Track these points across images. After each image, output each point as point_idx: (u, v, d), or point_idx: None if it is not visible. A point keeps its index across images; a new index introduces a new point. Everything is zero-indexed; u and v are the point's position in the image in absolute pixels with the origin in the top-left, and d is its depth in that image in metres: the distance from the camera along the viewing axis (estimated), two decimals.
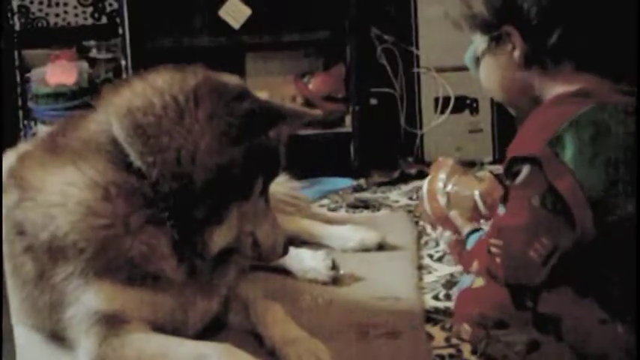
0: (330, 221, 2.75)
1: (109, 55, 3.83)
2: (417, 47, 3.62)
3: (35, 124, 3.71)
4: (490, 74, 1.89)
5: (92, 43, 3.87)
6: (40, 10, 3.92)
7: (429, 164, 2.77)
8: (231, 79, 1.93)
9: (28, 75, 3.79)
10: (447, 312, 2.08)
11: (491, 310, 1.80)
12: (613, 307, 1.68)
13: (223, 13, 3.51)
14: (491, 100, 3.54)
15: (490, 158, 3.57)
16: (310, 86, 3.59)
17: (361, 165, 3.52)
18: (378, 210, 3.10)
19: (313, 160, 3.26)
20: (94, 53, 3.86)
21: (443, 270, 2.35)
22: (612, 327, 1.67)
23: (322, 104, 3.49)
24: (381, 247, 2.55)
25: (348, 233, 2.60)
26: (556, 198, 1.67)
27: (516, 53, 1.81)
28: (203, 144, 1.78)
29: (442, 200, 2.16)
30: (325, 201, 3.22)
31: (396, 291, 2.20)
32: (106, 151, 1.83)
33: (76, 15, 3.95)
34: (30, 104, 3.72)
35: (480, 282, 1.89)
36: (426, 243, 2.61)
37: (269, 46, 3.61)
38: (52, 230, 1.81)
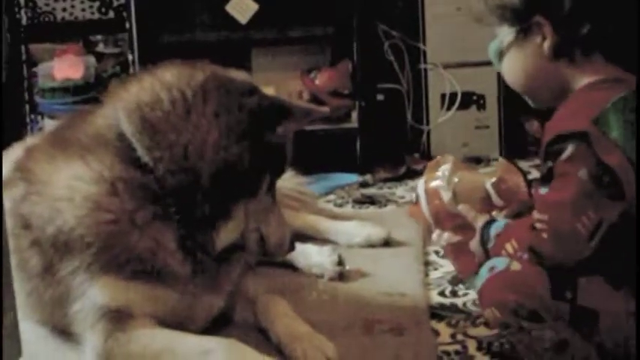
0: (336, 217, 2.75)
1: (116, 50, 3.84)
2: (424, 43, 3.61)
3: (42, 118, 3.72)
4: (516, 66, 1.90)
5: (99, 37, 3.88)
6: (47, 5, 3.93)
7: None
8: (238, 75, 1.93)
9: (34, 69, 3.79)
10: (452, 308, 2.09)
11: (527, 298, 1.79)
12: None
13: (230, 8, 3.51)
14: (498, 96, 3.55)
15: (497, 154, 3.57)
16: (317, 82, 3.58)
17: (367, 161, 3.51)
18: (384, 206, 3.10)
19: (319, 155, 3.26)
20: (100, 48, 3.87)
21: (448, 266, 2.34)
22: None
23: (329, 100, 3.49)
24: (386, 243, 2.55)
25: (354, 229, 2.59)
26: (603, 172, 1.71)
27: (546, 44, 1.82)
28: (210, 140, 1.78)
29: (447, 196, 2.16)
30: (331, 197, 3.22)
31: (402, 287, 2.20)
32: (114, 146, 1.83)
33: (83, 9, 3.95)
34: (37, 98, 3.73)
35: (516, 266, 1.85)
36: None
37: (276, 42, 3.61)
38: (59, 224, 1.81)
